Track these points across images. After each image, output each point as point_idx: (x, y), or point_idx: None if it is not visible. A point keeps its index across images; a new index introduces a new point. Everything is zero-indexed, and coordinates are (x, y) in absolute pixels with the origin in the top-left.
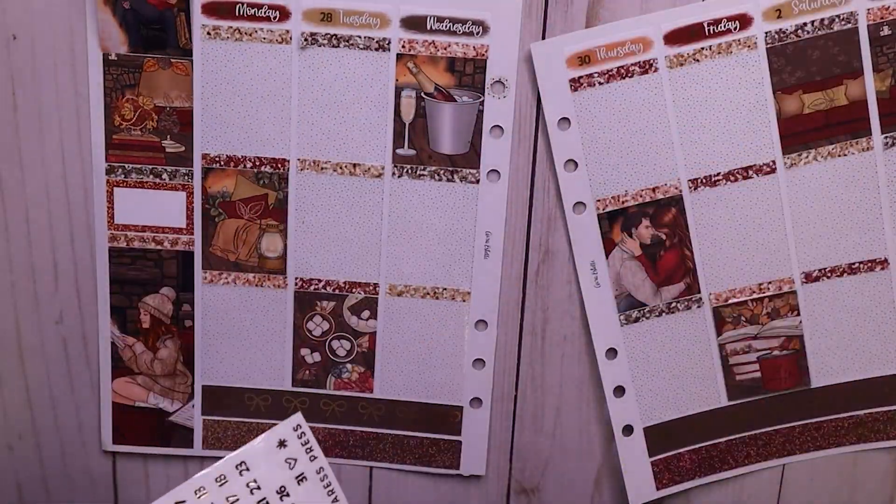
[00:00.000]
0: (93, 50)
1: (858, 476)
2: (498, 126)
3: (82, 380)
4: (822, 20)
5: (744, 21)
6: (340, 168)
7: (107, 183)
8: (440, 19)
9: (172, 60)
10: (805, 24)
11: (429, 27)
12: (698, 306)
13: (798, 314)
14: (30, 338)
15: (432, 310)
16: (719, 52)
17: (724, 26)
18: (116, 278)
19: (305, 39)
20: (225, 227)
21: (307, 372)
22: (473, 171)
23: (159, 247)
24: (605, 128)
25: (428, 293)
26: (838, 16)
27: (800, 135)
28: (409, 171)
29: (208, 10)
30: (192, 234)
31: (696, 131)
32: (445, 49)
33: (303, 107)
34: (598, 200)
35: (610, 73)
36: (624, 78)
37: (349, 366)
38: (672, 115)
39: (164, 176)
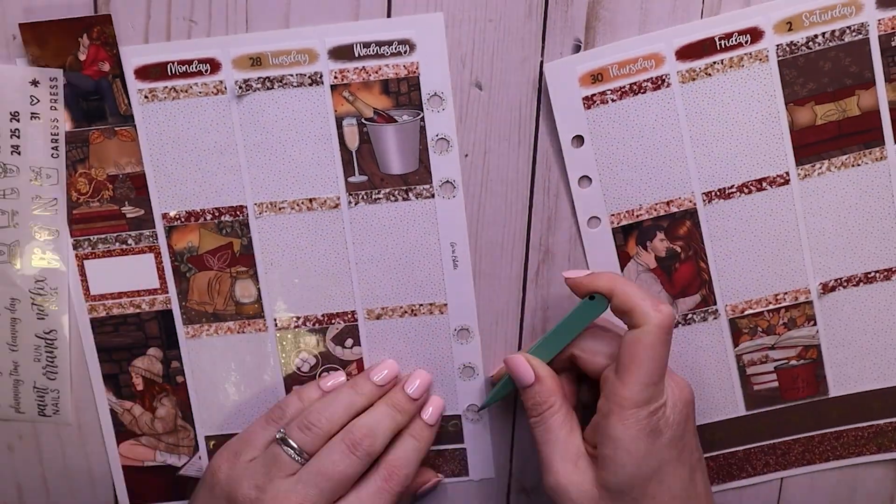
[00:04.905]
0: None
1: (858, 476)
2: (443, 138)
3: (79, 375)
4: (833, 32)
5: (755, 34)
6: (297, 205)
7: (76, 257)
8: (366, 44)
9: (116, 129)
10: (816, 35)
11: (357, 54)
12: (714, 318)
13: (815, 324)
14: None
15: (413, 327)
16: (731, 66)
17: (736, 40)
18: (103, 347)
19: (240, 87)
20: (197, 280)
21: None
22: (427, 186)
23: (138, 310)
24: (618, 144)
25: (406, 311)
26: (849, 27)
27: (813, 146)
28: (365, 197)
29: (141, 74)
30: (168, 292)
31: (709, 144)
32: (377, 73)
33: (250, 152)
34: (613, 215)
35: (623, 89)
36: (637, 94)
37: None
38: (685, 130)
39: (130, 241)
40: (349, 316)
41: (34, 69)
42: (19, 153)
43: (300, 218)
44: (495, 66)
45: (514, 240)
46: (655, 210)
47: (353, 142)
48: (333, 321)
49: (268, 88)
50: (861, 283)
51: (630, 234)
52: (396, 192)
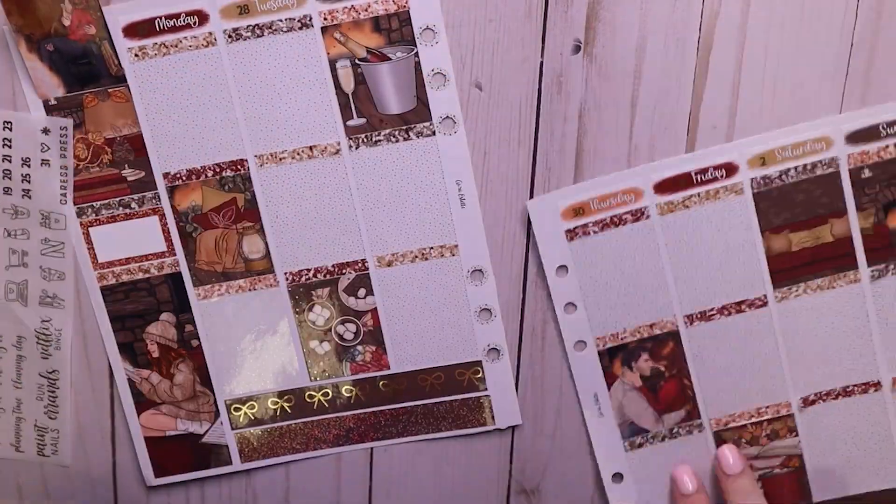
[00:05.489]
0: (32, 99)
1: None
2: (439, 73)
3: (82, 380)
4: (805, 166)
5: (730, 169)
6: (298, 154)
7: (81, 225)
8: None
9: (109, 91)
10: (788, 169)
11: None
12: (699, 431)
13: (797, 435)
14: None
15: (425, 271)
16: (708, 199)
17: (712, 174)
18: (115, 315)
19: (229, 37)
20: (204, 239)
21: (321, 364)
22: (427, 123)
23: (147, 275)
24: (601, 272)
25: (417, 256)
26: (820, 161)
27: (789, 271)
28: (365, 140)
29: (129, 32)
30: (175, 254)
31: (689, 271)
32: (366, 10)
33: (245, 104)
34: (598, 338)
35: (604, 222)
36: (617, 226)
37: (360, 347)
38: (665, 258)
39: (133, 205)
40: (360, 265)
41: (47, 118)
42: (30, 197)
43: (302, 167)
44: (495, 66)
45: (515, 240)
46: (639, 332)
47: (348, 84)
48: (345, 271)
49: (258, 36)
50: (840, 397)
51: (615, 356)
52: (397, 133)
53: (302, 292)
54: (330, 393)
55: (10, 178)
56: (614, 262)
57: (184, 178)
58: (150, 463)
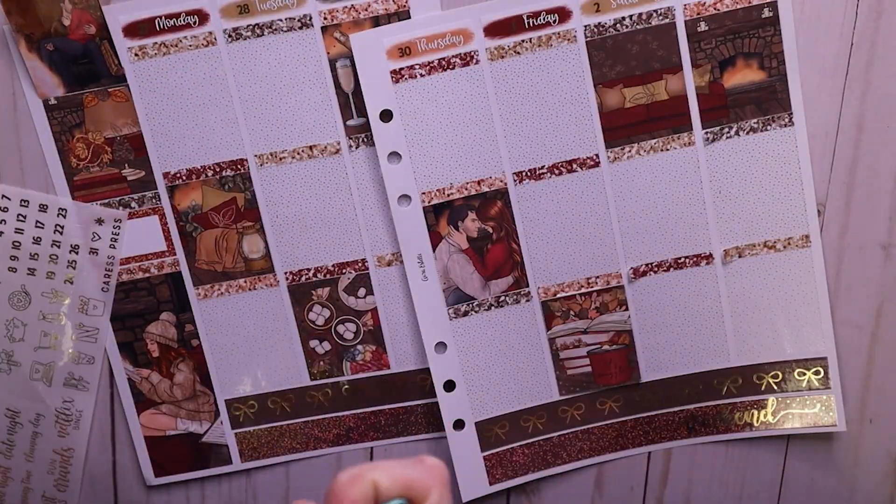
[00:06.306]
0: (32, 99)
1: (858, 476)
2: None
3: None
4: (640, 15)
5: (563, 14)
6: (298, 154)
7: None
8: None
9: (109, 90)
10: (623, 18)
11: None
12: (527, 300)
13: (626, 309)
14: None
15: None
16: (539, 45)
17: (544, 19)
18: (116, 315)
19: (229, 36)
20: (204, 239)
21: (321, 363)
22: None
23: (147, 274)
24: (428, 120)
25: None
26: (656, 10)
27: (622, 129)
28: (365, 140)
29: (129, 32)
30: (175, 254)
31: (519, 124)
32: (366, 10)
33: (245, 103)
34: (424, 193)
35: (431, 64)
36: (445, 70)
37: (360, 347)
38: (495, 108)
39: (133, 204)
40: (359, 264)
41: (101, 208)
42: (72, 283)
43: (302, 167)
44: None
45: None
46: (466, 189)
47: (348, 84)
48: (344, 271)
49: (258, 36)
50: (671, 269)
51: (441, 214)
52: None
53: (302, 292)
54: (330, 392)
55: (55, 263)
56: (442, 109)
57: (184, 177)
58: (151, 462)
